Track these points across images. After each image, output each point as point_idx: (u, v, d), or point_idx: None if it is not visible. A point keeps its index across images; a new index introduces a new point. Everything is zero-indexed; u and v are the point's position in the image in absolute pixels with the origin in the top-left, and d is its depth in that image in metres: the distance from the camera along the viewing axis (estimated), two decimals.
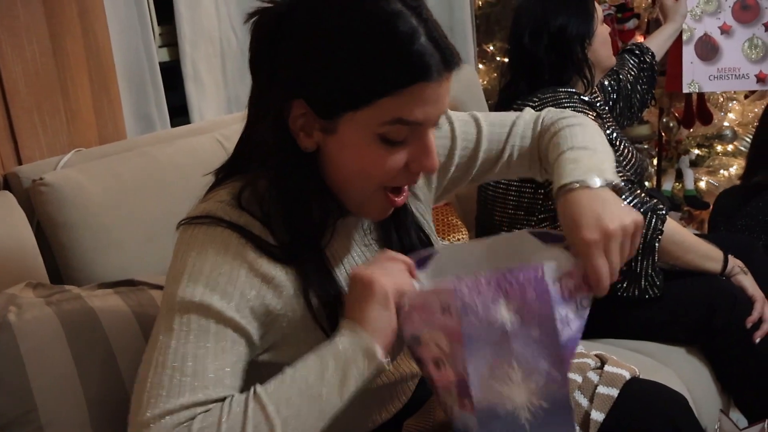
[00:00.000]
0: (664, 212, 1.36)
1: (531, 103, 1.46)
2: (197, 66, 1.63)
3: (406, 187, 0.80)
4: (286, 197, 0.78)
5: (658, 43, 1.90)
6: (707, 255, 1.41)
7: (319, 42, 0.71)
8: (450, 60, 0.73)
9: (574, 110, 1.40)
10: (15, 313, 0.88)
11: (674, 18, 1.92)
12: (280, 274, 0.77)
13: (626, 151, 1.53)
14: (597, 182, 0.80)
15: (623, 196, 1.31)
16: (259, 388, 0.70)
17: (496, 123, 0.99)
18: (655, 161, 2.40)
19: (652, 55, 1.84)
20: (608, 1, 2.37)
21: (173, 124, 1.58)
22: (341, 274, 0.84)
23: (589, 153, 0.87)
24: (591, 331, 1.41)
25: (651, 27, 2.19)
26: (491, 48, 2.54)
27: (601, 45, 1.55)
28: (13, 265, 1.06)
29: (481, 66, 2.49)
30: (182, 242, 0.76)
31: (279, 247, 0.77)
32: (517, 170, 1.02)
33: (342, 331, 0.74)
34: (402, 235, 0.90)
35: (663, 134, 2.32)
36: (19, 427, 0.86)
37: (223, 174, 0.84)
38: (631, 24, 2.27)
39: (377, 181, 0.76)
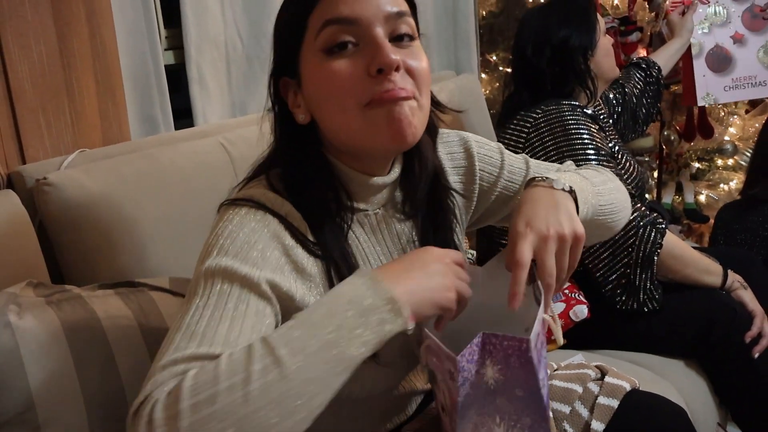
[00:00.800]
0: (663, 226, 1.36)
1: (534, 115, 1.47)
2: (202, 70, 1.63)
3: (397, 87, 0.75)
4: (299, 178, 0.80)
5: (665, 58, 1.91)
6: (707, 269, 1.41)
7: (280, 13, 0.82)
8: None
9: (576, 124, 1.42)
10: (15, 312, 0.88)
11: (681, 33, 1.93)
12: (311, 266, 0.77)
13: (627, 164, 1.53)
14: (562, 186, 0.83)
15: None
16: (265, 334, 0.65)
17: (542, 167, 1.02)
18: (655, 174, 2.41)
19: (659, 70, 1.85)
20: (611, 14, 2.38)
21: (177, 127, 1.58)
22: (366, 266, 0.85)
23: (581, 179, 0.91)
24: (591, 343, 1.44)
25: (654, 40, 2.20)
26: (494, 58, 2.56)
27: (604, 56, 1.56)
28: (14, 263, 1.06)
29: (484, 75, 2.50)
30: (221, 219, 0.75)
31: (316, 243, 0.78)
32: None
33: (362, 280, 0.68)
34: (438, 236, 0.90)
35: (664, 147, 2.33)
36: (17, 426, 0.86)
37: (259, 168, 0.86)
38: (634, 37, 2.28)
39: (351, 99, 0.75)
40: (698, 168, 2.47)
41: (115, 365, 0.93)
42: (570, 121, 1.42)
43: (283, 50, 0.80)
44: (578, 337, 1.43)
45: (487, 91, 2.45)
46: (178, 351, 0.63)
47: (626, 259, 1.37)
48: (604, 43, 1.57)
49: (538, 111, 1.47)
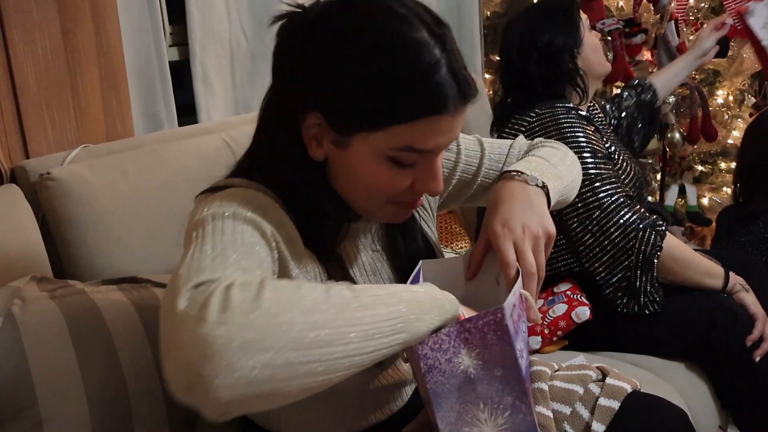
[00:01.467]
0: (663, 228, 1.36)
1: (528, 119, 1.47)
2: (206, 67, 1.63)
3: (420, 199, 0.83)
4: (296, 200, 0.79)
5: (666, 77, 1.88)
6: (708, 272, 1.41)
7: (343, 60, 0.72)
8: (467, 93, 0.75)
9: (572, 126, 1.41)
10: (19, 306, 0.88)
11: (692, 49, 1.88)
12: (305, 252, 0.79)
13: (625, 164, 1.53)
14: (535, 182, 0.87)
15: (623, 212, 1.32)
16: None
17: (495, 146, 1.05)
18: (658, 176, 2.40)
19: (654, 94, 1.83)
20: (616, 15, 2.38)
21: (180, 124, 1.58)
22: (353, 275, 0.86)
23: (546, 164, 0.94)
24: (592, 344, 1.43)
25: (658, 43, 2.19)
26: (498, 58, 2.56)
27: (592, 52, 1.55)
28: (17, 258, 1.06)
29: (487, 76, 2.50)
30: (198, 209, 0.73)
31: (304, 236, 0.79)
32: None
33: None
34: (408, 242, 0.93)
35: (667, 149, 2.33)
36: (20, 420, 0.86)
37: (233, 171, 0.85)
38: (639, 39, 2.27)
39: (383, 198, 0.79)
40: (701, 171, 2.47)
41: (117, 361, 0.93)
42: (564, 124, 1.42)
43: (343, 111, 0.74)
44: (580, 338, 1.43)
45: (491, 92, 2.45)
46: (191, 278, 0.59)
47: (626, 262, 1.37)
48: (590, 39, 1.56)
49: (531, 114, 1.47)
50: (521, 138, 1.10)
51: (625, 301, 1.39)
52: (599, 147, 1.43)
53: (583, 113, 1.48)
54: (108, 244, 1.15)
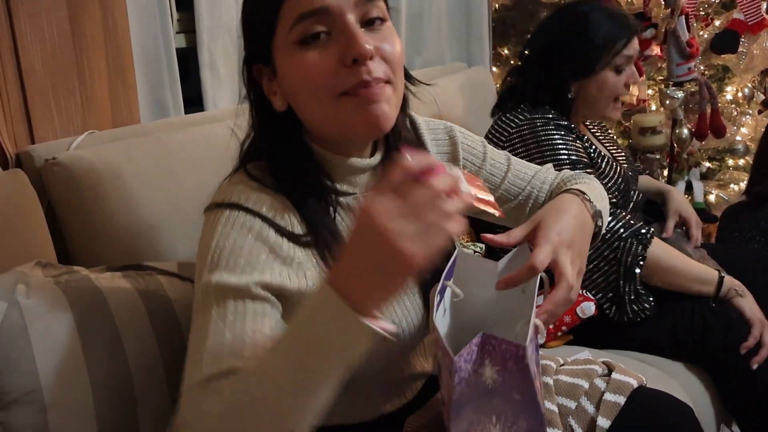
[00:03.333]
0: (648, 236, 1.34)
1: (509, 129, 1.48)
2: (214, 55, 1.62)
3: (372, 78, 0.75)
4: (281, 165, 0.81)
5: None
6: (698, 278, 1.38)
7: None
8: None
9: (550, 138, 1.40)
10: (24, 292, 0.88)
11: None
12: (300, 255, 0.78)
13: (608, 168, 1.51)
14: (596, 207, 0.90)
15: (609, 219, 1.32)
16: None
17: (522, 165, 1.07)
18: (665, 172, 2.39)
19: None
20: (626, 9, 2.36)
21: (187, 112, 1.57)
22: None
23: (602, 203, 0.97)
24: (597, 340, 1.43)
25: (669, 37, 2.18)
26: (506, 51, 2.54)
27: (596, 90, 1.49)
28: (22, 243, 1.05)
29: (495, 69, 2.49)
30: (207, 227, 0.78)
31: (302, 234, 0.79)
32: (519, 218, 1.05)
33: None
34: None
35: (675, 145, 2.31)
36: (24, 406, 0.86)
37: (243, 159, 0.86)
38: (648, 34, 2.26)
39: (325, 90, 0.76)
40: (709, 167, 2.46)
41: (122, 348, 0.93)
42: (542, 135, 1.41)
43: (255, 40, 0.80)
44: (585, 333, 1.42)
45: (498, 85, 2.43)
46: (194, 375, 0.68)
47: (609, 271, 1.36)
48: (606, 78, 1.47)
49: (512, 125, 1.46)
50: (550, 167, 1.10)
51: (614, 309, 1.38)
52: (580, 156, 1.42)
53: (563, 122, 1.45)
54: (113, 230, 1.15)
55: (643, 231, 1.35)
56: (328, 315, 0.59)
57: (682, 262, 1.39)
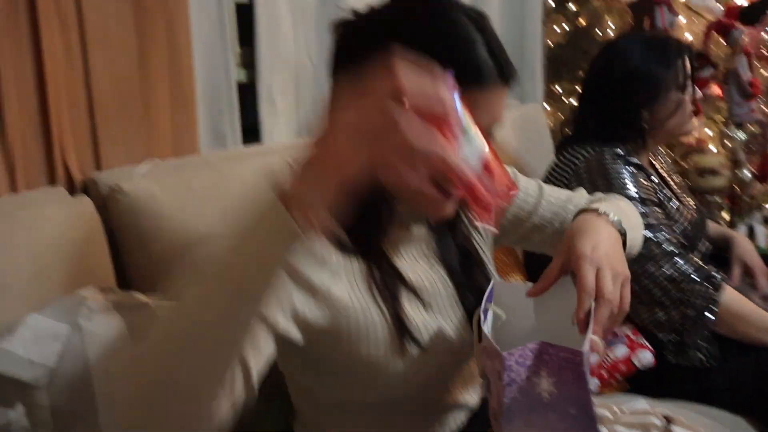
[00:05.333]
0: (720, 280, 1.30)
1: (576, 161, 1.45)
2: (272, 89, 1.67)
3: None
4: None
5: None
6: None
7: (387, 12, 0.78)
8: (505, 71, 0.78)
9: (619, 174, 1.37)
10: (85, 315, 0.91)
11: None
12: (327, 282, 0.78)
13: (674, 211, 1.47)
14: (614, 218, 0.87)
15: (675, 260, 1.28)
16: None
17: (554, 192, 1.05)
18: (726, 215, 2.32)
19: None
20: None
21: (244, 144, 1.61)
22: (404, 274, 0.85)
23: (616, 207, 0.94)
24: (654, 389, 1.37)
25: (729, 77, 2.13)
26: (559, 89, 2.53)
27: (667, 114, 1.47)
28: (85, 267, 1.09)
29: (548, 106, 2.47)
30: None
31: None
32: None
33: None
34: (458, 243, 0.92)
35: (736, 187, 2.25)
36: (77, 428, 0.87)
37: None
38: (707, 73, 2.22)
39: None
40: None
41: None
42: (611, 172, 1.38)
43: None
44: (641, 381, 1.37)
45: (551, 122, 2.42)
46: None
47: (677, 315, 1.31)
48: (675, 97, 1.46)
49: (579, 157, 1.44)
50: (583, 191, 1.09)
51: (676, 354, 1.33)
52: (649, 195, 1.38)
53: (633, 160, 1.43)
54: (172, 257, 1.17)
55: (715, 274, 1.30)
56: (253, 203, 0.57)
57: (753, 311, 1.34)
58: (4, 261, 0.96)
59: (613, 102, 1.48)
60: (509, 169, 1.01)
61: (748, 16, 2.24)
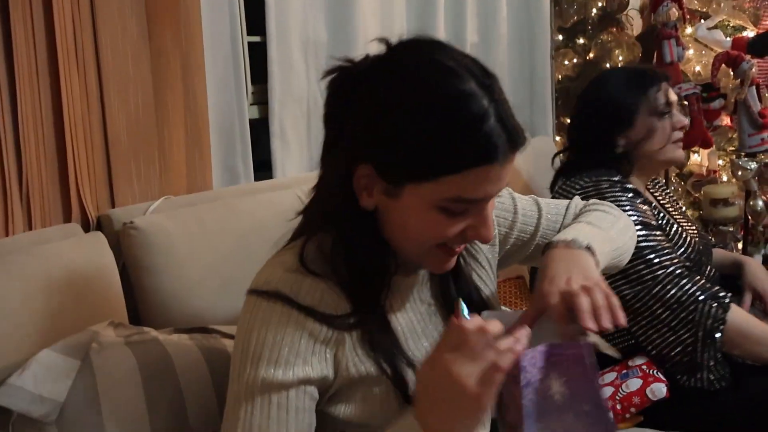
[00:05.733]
0: (727, 300, 1.28)
1: (573, 190, 1.45)
2: (284, 124, 1.70)
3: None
4: (348, 252, 0.81)
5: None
6: None
7: (391, 112, 0.73)
8: (516, 141, 0.75)
9: (617, 200, 1.37)
10: (96, 351, 0.92)
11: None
12: (342, 335, 0.79)
13: (677, 237, 1.46)
14: (579, 245, 0.86)
15: (682, 282, 1.27)
16: None
17: (552, 206, 1.05)
18: (740, 245, 2.30)
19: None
20: (693, 80, 2.34)
21: (256, 179, 1.64)
22: (399, 330, 0.85)
23: (593, 228, 0.94)
24: (669, 422, 1.35)
25: (739, 107, 2.14)
26: (569, 121, 2.54)
27: (645, 137, 1.48)
28: (97, 302, 1.10)
29: (558, 138, 2.49)
30: (247, 314, 0.80)
31: (340, 317, 0.79)
32: None
33: None
34: (461, 286, 0.91)
35: (750, 217, 2.23)
36: None
37: (297, 230, 0.88)
38: (717, 104, 2.22)
39: (433, 242, 0.79)
40: None
41: (184, 410, 0.94)
42: (609, 198, 1.37)
43: (397, 164, 0.75)
44: (655, 414, 1.35)
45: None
46: None
47: (686, 336, 1.30)
48: (646, 123, 1.48)
49: (576, 186, 1.45)
50: (577, 198, 1.10)
51: (686, 377, 1.31)
52: (648, 219, 1.39)
53: (630, 186, 1.44)
54: (183, 292, 1.19)
55: (722, 294, 1.30)
56: None
57: (763, 330, 1.32)
58: (18, 296, 0.98)
59: (590, 129, 1.52)
60: (506, 192, 1.02)
61: (755, 48, 2.26)
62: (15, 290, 0.97)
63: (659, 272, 1.31)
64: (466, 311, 0.77)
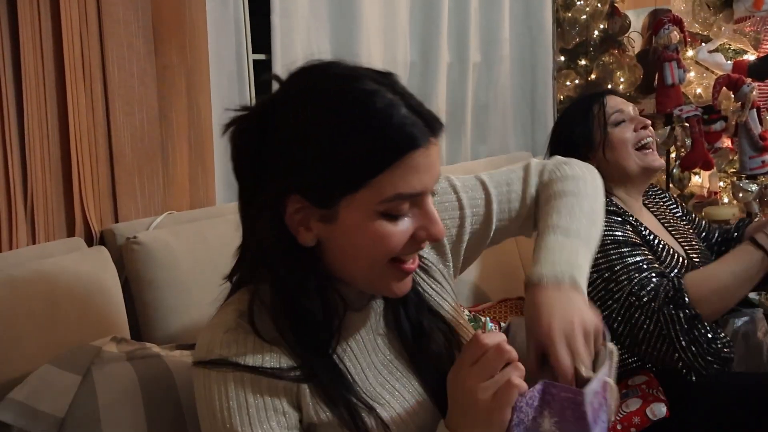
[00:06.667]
0: (674, 276, 1.30)
1: None
2: None
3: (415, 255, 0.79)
4: (288, 300, 0.77)
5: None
6: (744, 265, 1.28)
7: (305, 133, 0.71)
8: (432, 125, 0.73)
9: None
10: (98, 366, 0.92)
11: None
12: (301, 386, 0.78)
13: (668, 258, 1.46)
14: (564, 282, 0.82)
15: (636, 276, 1.27)
16: None
17: (502, 183, 0.98)
18: None
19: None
20: (694, 102, 2.35)
21: None
22: (356, 369, 0.83)
23: (570, 241, 0.88)
24: None
25: (740, 130, 2.15)
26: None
27: (609, 151, 1.52)
28: (98, 317, 1.10)
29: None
30: (202, 389, 0.78)
31: (289, 369, 0.77)
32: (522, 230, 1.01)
33: None
34: (410, 315, 0.87)
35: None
36: None
37: (234, 284, 0.86)
38: (718, 126, 2.23)
39: (385, 257, 0.75)
40: None
41: (184, 425, 0.94)
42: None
43: (323, 184, 0.72)
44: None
45: None
46: None
47: (664, 321, 1.27)
48: (609, 136, 1.52)
49: None
50: (533, 162, 1.02)
51: (686, 365, 1.27)
52: (627, 236, 1.38)
53: (615, 208, 1.44)
54: (184, 308, 1.19)
55: (665, 278, 1.30)
56: None
57: (719, 265, 1.31)
58: (21, 309, 0.98)
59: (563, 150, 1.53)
60: (446, 184, 0.96)
61: (756, 71, 2.27)
62: (17, 304, 0.97)
63: (642, 295, 1.30)
64: (490, 325, 0.78)
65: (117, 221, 1.31)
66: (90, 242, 1.25)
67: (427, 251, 0.94)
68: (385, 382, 0.84)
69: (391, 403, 0.82)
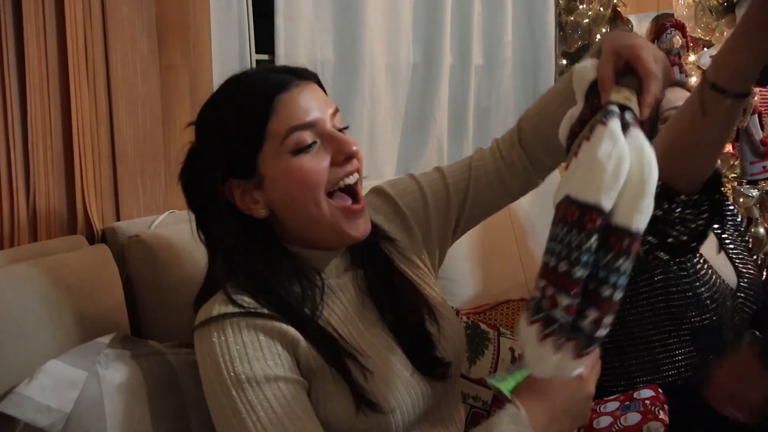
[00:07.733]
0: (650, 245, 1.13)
1: None
2: None
3: (359, 191, 0.89)
4: (265, 277, 0.85)
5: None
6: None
7: (208, 127, 0.89)
8: (297, 72, 0.87)
9: None
10: (103, 363, 0.92)
11: None
12: (292, 330, 0.83)
13: (707, 276, 1.44)
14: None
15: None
16: None
17: (456, 162, 1.08)
18: None
19: None
20: None
21: None
22: (337, 323, 0.89)
23: None
24: None
25: (741, 135, 2.15)
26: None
27: None
28: (100, 314, 1.10)
29: (562, 163, 2.50)
30: (202, 345, 0.83)
31: (282, 320, 0.83)
32: (513, 180, 1.06)
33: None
34: (379, 272, 0.95)
35: (751, 245, 2.23)
36: None
37: (215, 280, 0.90)
38: None
39: (319, 190, 0.85)
40: None
41: (188, 422, 0.94)
42: None
43: (237, 156, 0.85)
44: None
45: None
46: None
47: (665, 304, 1.29)
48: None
49: None
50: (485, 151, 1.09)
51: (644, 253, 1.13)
52: None
53: None
54: (185, 306, 1.17)
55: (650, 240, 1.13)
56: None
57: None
58: (23, 306, 0.97)
59: None
60: (406, 176, 1.06)
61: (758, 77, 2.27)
62: (20, 301, 0.97)
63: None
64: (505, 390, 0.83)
65: (119, 219, 1.31)
66: (92, 240, 1.25)
67: (398, 234, 1.01)
68: (360, 331, 0.90)
69: (368, 352, 0.87)
